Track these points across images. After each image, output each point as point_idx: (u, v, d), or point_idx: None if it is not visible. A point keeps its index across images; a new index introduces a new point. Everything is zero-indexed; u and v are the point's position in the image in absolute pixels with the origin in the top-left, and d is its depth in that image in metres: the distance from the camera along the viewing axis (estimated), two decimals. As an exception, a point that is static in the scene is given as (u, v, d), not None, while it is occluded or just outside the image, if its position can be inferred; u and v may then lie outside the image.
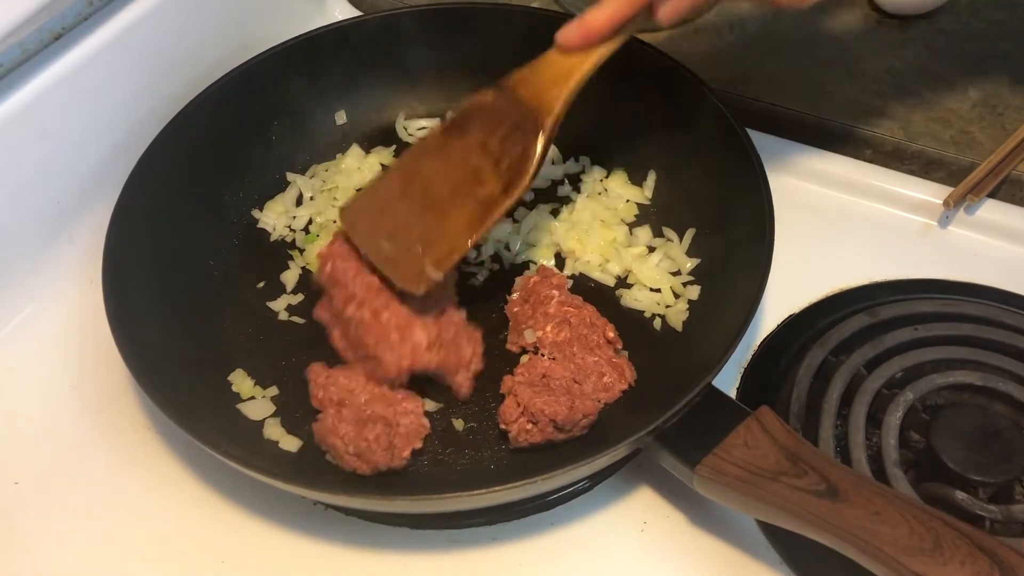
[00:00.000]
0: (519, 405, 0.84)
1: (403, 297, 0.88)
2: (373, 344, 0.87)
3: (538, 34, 1.07)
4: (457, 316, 0.91)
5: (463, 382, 0.90)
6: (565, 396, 0.84)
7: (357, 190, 1.06)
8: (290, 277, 1.01)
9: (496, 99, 0.89)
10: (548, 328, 0.91)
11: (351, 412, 0.85)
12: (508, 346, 0.94)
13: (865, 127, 1.11)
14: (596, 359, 0.89)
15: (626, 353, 0.92)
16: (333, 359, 0.91)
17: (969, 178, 1.06)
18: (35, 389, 0.95)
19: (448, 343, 0.89)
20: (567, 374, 0.87)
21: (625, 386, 0.88)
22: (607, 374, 0.88)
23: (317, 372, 0.89)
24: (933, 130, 1.11)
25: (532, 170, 0.86)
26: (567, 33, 0.84)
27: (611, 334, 0.91)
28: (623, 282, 0.99)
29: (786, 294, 0.97)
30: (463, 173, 0.89)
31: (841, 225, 1.06)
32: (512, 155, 0.87)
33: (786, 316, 0.97)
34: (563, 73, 0.85)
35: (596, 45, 0.84)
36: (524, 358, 0.91)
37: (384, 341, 0.87)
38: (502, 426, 0.85)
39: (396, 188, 0.91)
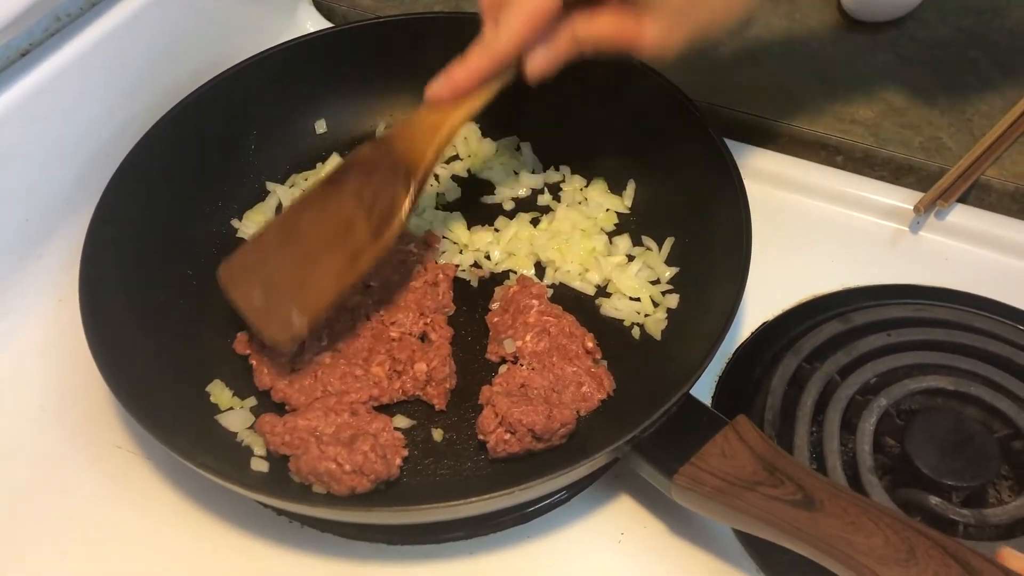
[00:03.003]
0: (497, 415, 0.84)
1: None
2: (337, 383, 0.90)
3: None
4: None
5: (435, 394, 0.90)
6: (543, 405, 0.85)
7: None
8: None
9: (373, 152, 0.91)
10: (527, 338, 0.91)
11: (330, 439, 0.84)
12: (488, 356, 0.94)
13: (835, 134, 1.12)
14: (575, 369, 0.89)
15: (605, 363, 0.92)
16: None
17: (939, 183, 1.07)
18: (6, 408, 0.94)
19: (405, 363, 0.91)
20: (546, 384, 0.88)
21: (604, 396, 0.89)
22: (586, 384, 0.88)
23: (272, 423, 0.86)
24: (903, 136, 1.12)
25: (400, 217, 0.88)
26: (434, 88, 0.86)
27: (590, 344, 0.91)
28: (603, 291, 0.99)
29: (759, 302, 0.98)
30: (337, 223, 0.90)
31: (812, 232, 1.07)
32: (382, 203, 0.89)
33: (760, 324, 0.98)
34: (433, 126, 0.88)
35: (463, 99, 0.86)
36: (503, 368, 0.92)
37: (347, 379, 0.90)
38: (480, 436, 0.86)
39: (274, 240, 0.93)
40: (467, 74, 0.84)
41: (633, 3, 0.80)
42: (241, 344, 0.94)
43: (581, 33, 0.82)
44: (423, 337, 0.95)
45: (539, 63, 0.83)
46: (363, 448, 0.81)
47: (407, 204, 0.88)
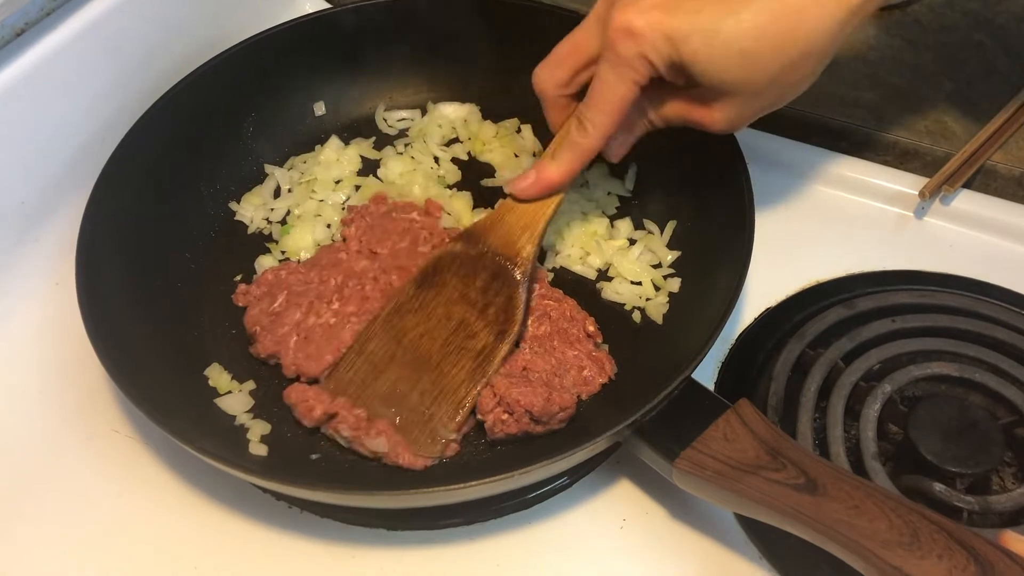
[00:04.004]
0: (495, 395, 0.84)
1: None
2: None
3: (514, 25, 1.08)
4: None
5: None
6: (543, 388, 0.84)
7: (336, 181, 1.07)
8: (267, 264, 1.00)
9: (466, 250, 0.91)
10: (528, 322, 0.90)
11: None
12: None
13: (840, 118, 1.11)
14: (576, 353, 0.89)
15: (606, 347, 0.92)
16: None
17: (944, 168, 1.06)
18: (2, 392, 0.93)
19: None
20: (547, 367, 0.87)
21: (605, 380, 0.88)
22: (587, 368, 0.88)
23: (302, 391, 0.87)
24: (908, 121, 1.12)
25: (520, 316, 0.88)
26: (522, 188, 0.88)
27: (591, 328, 0.91)
28: (604, 275, 0.99)
29: (763, 287, 0.97)
30: (449, 327, 0.89)
31: (817, 217, 1.06)
32: (497, 304, 0.88)
33: (763, 309, 0.97)
34: (529, 219, 0.89)
35: (554, 194, 0.88)
36: None
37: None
38: (478, 416, 0.85)
39: (382, 352, 0.89)
40: (558, 173, 0.86)
41: (701, 89, 0.80)
42: (240, 295, 0.95)
43: (655, 118, 0.86)
44: None
45: (619, 150, 0.89)
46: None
47: (523, 303, 0.88)
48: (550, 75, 0.87)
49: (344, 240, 1.00)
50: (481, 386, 0.85)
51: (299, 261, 1.00)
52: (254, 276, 0.99)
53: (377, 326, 0.91)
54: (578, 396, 0.87)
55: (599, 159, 1.00)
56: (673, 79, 0.80)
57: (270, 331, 0.91)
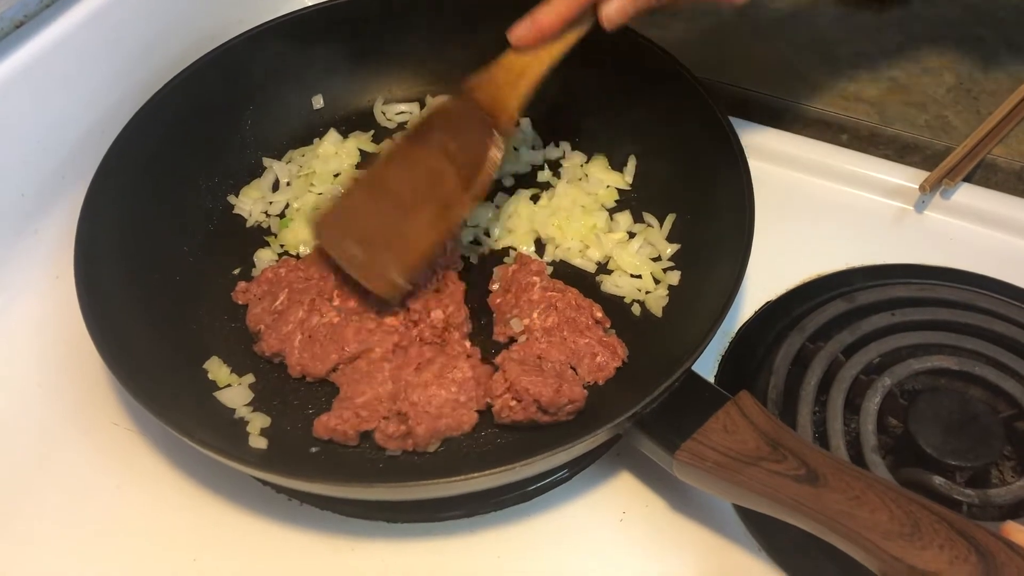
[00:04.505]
0: (506, 381, 0.84)
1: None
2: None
3: (512, 18, 1.07)
4: None
5: (453, 340, 0.91)
6: (553, 379, 0.84)
7: (335, 175, 1.06)
8: (265, 258, 1.00)
9: (456, 104, 0.91)
10: (535, 315, 0.90)
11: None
12: (495, 337, 0.93)
13: (841, 112, 1.11)
14: (587, 340, 0.89)
15: (614, 331, 0.92)
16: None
17: (945, 162, 1.06)
18: (2, 385, 0.93)
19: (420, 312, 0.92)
20: (562, 357, 0.88)
21: (619, 363, 0.89)
22: (600, 354, 0.88)
23: (332, 421, 0.85)
24: (908, 115, 1.11)
25: (488, 166, 0.87)
26: (519, 31, 0.87)
27: (599, 314, 0.91)
28: (603, 268, 0.98)
29: (763, 280, 0.97)
30: (425, 176, 0.91)
31: (816, 210, 1.06)
32: (470, 154, 0.89)
33: (763, 302, 0.97)
34: (516, 75, 0.88)
35: (547, 43, 0.87)
36: (522, 338, 0.91)
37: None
38: (487, 399, 0.85)
39: (364, 195, 0.93)
40: (553, 15, 0.85)
41: None
42: (240, 293, 0.95)
43: None
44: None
45: (615, 11, 0.84)
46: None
47: (492, 154, 0.88)
48: None
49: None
50: (439, 234, 0.88)
51: (298, 256, 1.00)
52: (253, 270, 0.99)
53: (365, 174, 0.94)
54: (594, 383, 0.87)
55: (599, 154, 1.00)
56: None
57: (274, 329, 0.91)
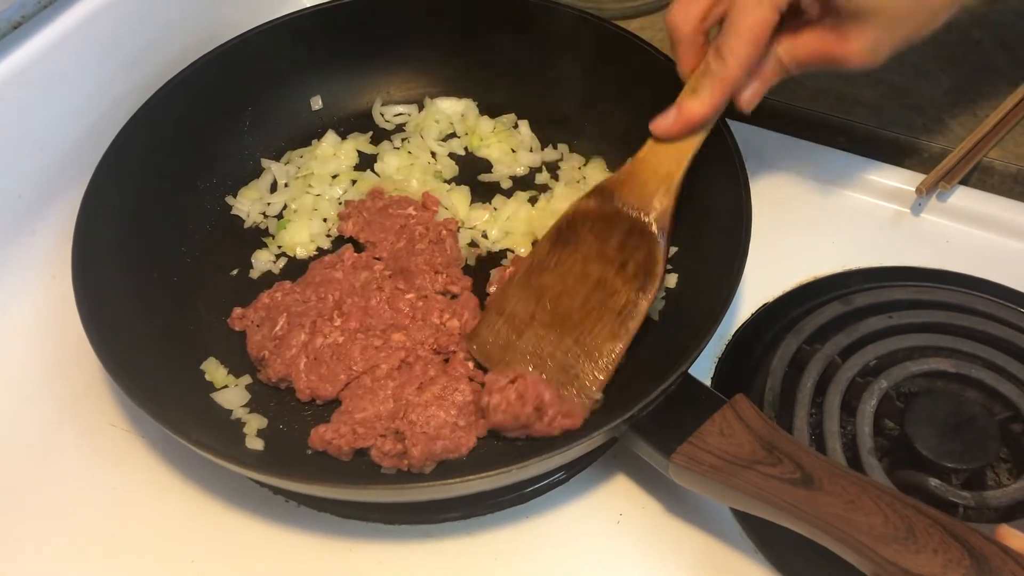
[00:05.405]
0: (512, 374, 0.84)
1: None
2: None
3: (512, 20, 1.07)
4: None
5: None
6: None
7: (333, 176, 1.06)
8: (263, 259, 1.00)
9: (600, 206, 0.89)
10: None
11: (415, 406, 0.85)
12: None
13: (838, 115, 1.11)
14: None
15: None
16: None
17: (941, 165, 1.06)
18: (-2, 387, 0.93)
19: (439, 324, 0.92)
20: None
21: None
22: None
23: (328, 432, 0.85)
24: (906, 117, 1.12)
25: (661, 271, 0.87)
26: (664, 125, 0.86)
27: None
28: (600, 270, 0.98)
29: (760, 282, 0.97)
30: (588, 285, 0.89)
31: (813, 213, 1.06)
32: (636, 259, 0.88)
33: (760, 305, 0.97)
34: (664, 171, 0.87)
35: (694, 134, 0.86)
36: None
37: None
38: (485, 397, 0.84)
39: (523, 310, 0.90)
40: (701, 107, 0.84)
41: (837, 18, 0.79)
42: (237, 320, 0.94)
43: (786, 58, 0.83)
44: (445, 293, 0.95)
45: (751, 95, 0.85)
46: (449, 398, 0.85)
47: (663, 257, 0.87)
48: (685, 12, 0.84)
49: (341, 235, 1.01)
50: (624, 343, 0.86)
51: (295, 257, 1.00)
52: (250, 271, 0.99)
53: (514, 286, 0.91)
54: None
55: (596, 156, 1.00)
56: (808, 6, 0.78)
57: (277, 355, 0.89)
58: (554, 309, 0.89)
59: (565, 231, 0.91)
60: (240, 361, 0.92)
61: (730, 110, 1.07)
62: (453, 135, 1.11)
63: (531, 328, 0.89)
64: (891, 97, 1.13)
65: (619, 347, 0.86)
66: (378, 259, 0.97)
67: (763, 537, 0.81)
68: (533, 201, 1.04)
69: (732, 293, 0.83)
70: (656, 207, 0.87)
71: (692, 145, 0.87)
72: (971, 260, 1.00)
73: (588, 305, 0.88)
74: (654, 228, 0.87)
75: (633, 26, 1.09)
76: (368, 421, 0.84)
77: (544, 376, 0.85)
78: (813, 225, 1.04)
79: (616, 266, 0.88)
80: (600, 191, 0.90)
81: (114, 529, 0.84)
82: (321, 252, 1.01)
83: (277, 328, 0.91)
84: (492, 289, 0.96)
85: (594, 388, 0.85)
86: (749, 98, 0.85)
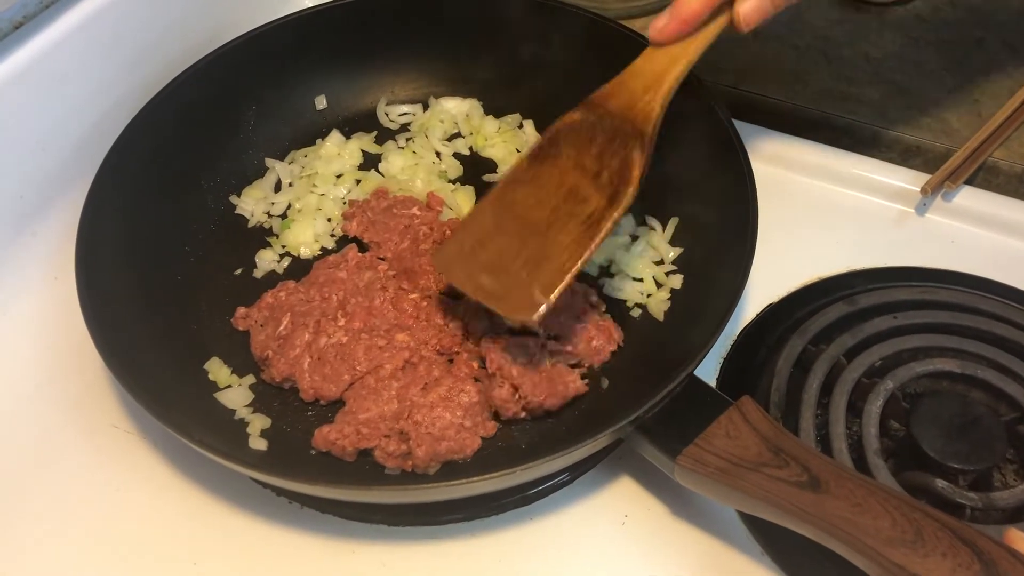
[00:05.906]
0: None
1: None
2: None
3: (516, 19, 1.07)
4: None
5: (475, 347, 0.90)
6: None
7: (337, 176, 1.06)
8: (267, 258, 1.00)
9: (584, 117, 0.88)
10: None
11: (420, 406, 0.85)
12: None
13: (842, 114, 1.11)
14: (583, 325, 0.89)
15: (609, 316, 0.92)
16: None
17: (946, 165, 1.06)
18: (1, 386, 0.93)
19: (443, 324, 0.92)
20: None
21: (614, 347, 0.90)
22: (595, 338, 0.89)
23: (332, 433, 0.85)
24: (910, 117, 1.11)
25: (636, 176, 0.84)
26: (659, 24, 0.84)
27: (594, 298, 0.92)
28: (606, 271, 0.98)
29: (764, 283, 0.97)
30: (560, 195, 0.86)
31: (818, 213, 1.06)
32: (612, 167, 0.85)
33: (765, 305, 0.97)
34: (654, 79, 0.85)
35: (691, 34, 0.84)
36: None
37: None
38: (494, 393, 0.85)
39: (489, 223, 0.88)
40: (695, 7, 0.82)
41: None
42: (240, 320, 0.93)
43: None
44: (449, 293, 0.94)
45: (750, 8, 0.82)
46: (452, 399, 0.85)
47: (641, 163, 0.84)
48: None
49: (345, 235, 1.00)
50: (588, 252, 0.82)
51: (299, 257, 0.99)
52: (254, 271, 0.99)
53: (487, 201, 0.89)
54: (590, 366, 0.88)
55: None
56: None
57: (281, 354, 0.89)
58: (522, 219, 0.86)
59: (546, 146, 0.89)
60: (244, 361, 0.91)
61: (737, 112, 1.08)
62: (458, 135, 1.11)
63: (496, 239, 0.86)
64: (895, 97, 1.13)
65: (581, 256, 0.82)
66: (382, 259, 0.97)
67: (770, 539, 0.81)
68: (538, 201, 1.03)
69: (738, 295, 0.82)
70: (642, 115, 0.85)
71: (687, 54, 0.84)
72: (976, 260, 1.00)
73: (557, 214, 0.85)
74: (633, 128, 0.84)
75: (637, 26, 1.09)
76: (372, 421, 0.84)
77: (498, 283, 0.83)
78: (817, 225, 1.04)
79: (591, 175, 0.86)
80: (587, 103, 0.88)
81: (116, 530, 0.83)
82: (325, 252, 1.01)
83: (281, 328, 0.91)
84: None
85: (543, 293, 0.81)
86: (748, 13, 0.82)
